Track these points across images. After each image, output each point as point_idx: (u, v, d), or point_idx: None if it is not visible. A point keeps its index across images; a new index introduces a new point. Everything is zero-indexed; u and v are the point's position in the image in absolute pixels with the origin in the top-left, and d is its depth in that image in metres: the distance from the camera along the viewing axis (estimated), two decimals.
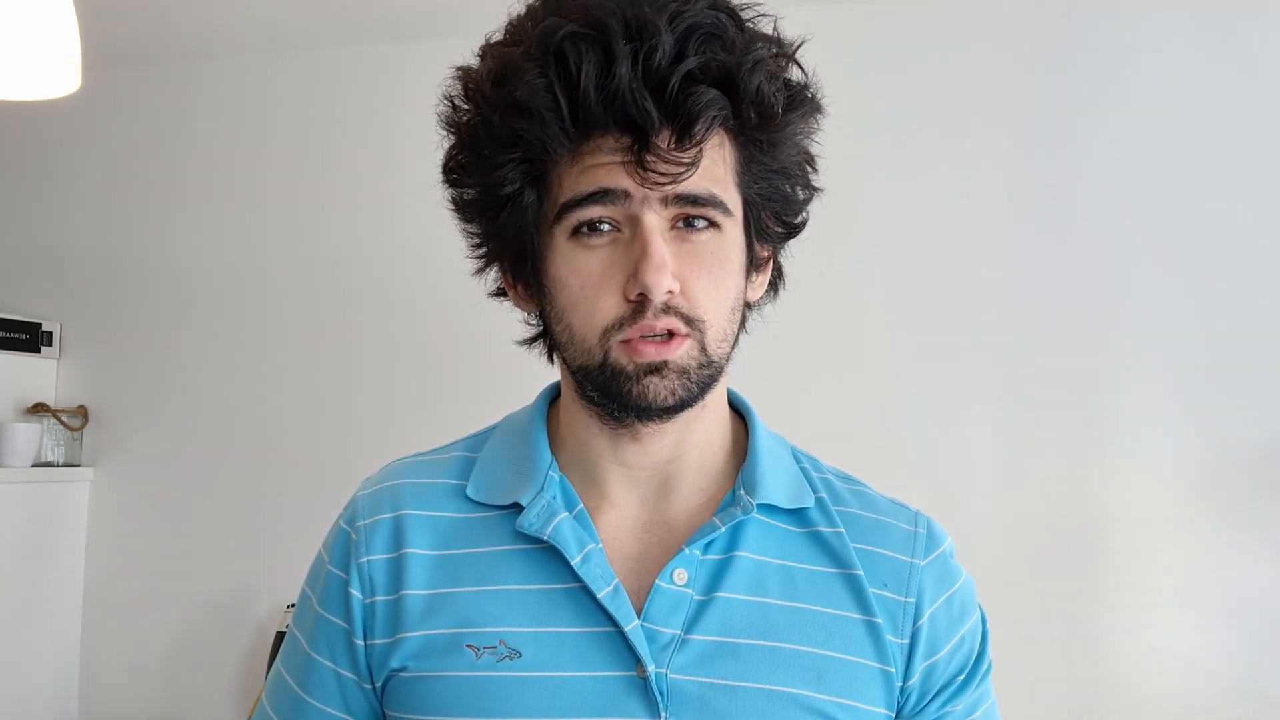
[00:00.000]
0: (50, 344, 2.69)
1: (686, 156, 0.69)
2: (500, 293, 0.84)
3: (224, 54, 2.67)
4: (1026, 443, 2.13)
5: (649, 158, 0.69)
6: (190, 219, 2.68)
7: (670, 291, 0.71)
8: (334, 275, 2.56)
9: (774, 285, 0.84)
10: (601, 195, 0.71)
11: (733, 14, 0.72)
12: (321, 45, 2.60)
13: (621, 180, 0.70)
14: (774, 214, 0.79)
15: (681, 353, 0.72)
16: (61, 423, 2.64)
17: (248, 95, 2.67)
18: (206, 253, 2.65)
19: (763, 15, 0.75)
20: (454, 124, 0.77)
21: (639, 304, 0.71)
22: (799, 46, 0.75)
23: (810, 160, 0.79)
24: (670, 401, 0.73)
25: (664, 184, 0.70)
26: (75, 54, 1.30)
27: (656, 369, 0.72)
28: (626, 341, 0.72)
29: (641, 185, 0.70)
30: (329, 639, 0.80)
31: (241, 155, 2.66)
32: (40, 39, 1.26)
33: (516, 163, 0.72)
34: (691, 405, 0.76)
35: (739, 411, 0.86)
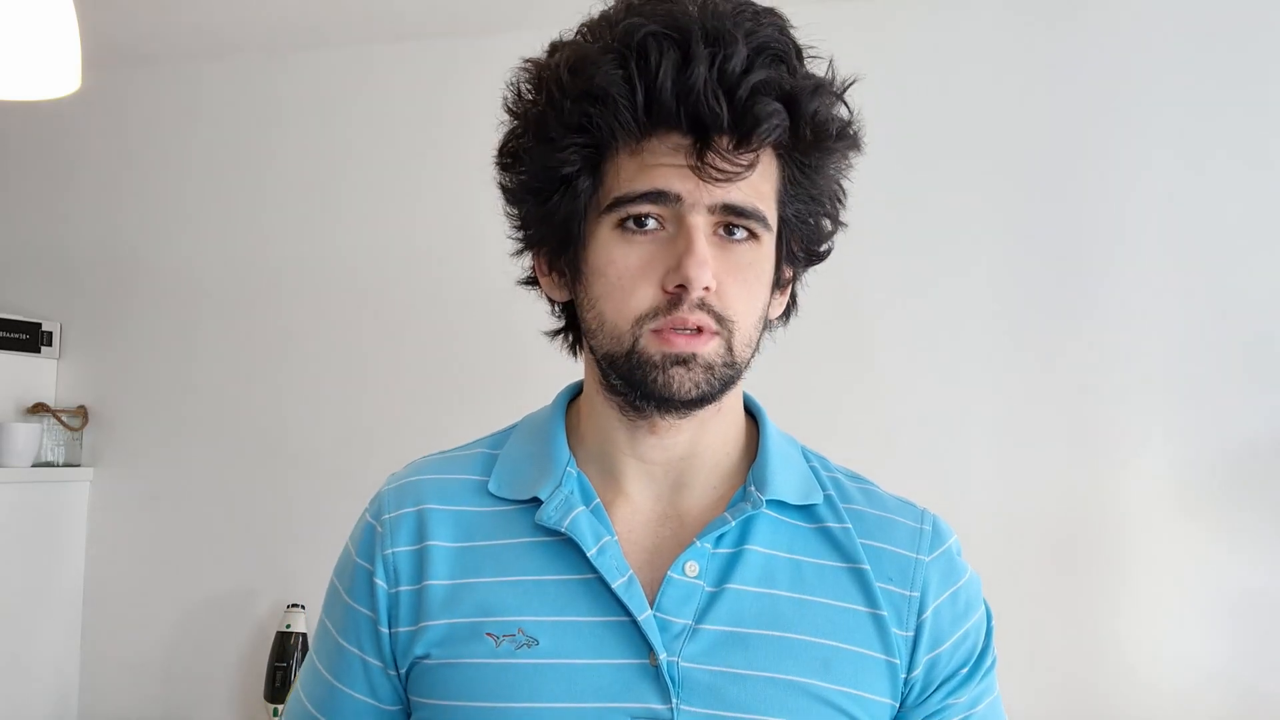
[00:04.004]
0: (50, 344, 2.69)
1: (744, 160, 0.73)
2: (529, 281, 0.87)
3: (225, 53, 2.67)
4: (1026, 443, 2.14)
5: (709, 154, 0.73)
6: (191, 219, 2.68)
7: (707, 288, 0.74)
8: (335, 275, 2.57)
9: (786, 311, 0.87)
10: (655, 196, 0.74)
11: (795, 44, 0.77)
12: (324, 44, 2.61)
13: (675, 184, 0.74)
14: (803, 238, 0.82)
15: (710, 349, 0.76)
16: (61, 423, 2.64)
17: (249, 94, 2.68)
18: (207, 253, 2.66)
19: (817, 57, 0.79)
20: (518, 110, 0.81)
21: (675, 297, 0.74)
22: (849, 85, 0.80)
23: (842, 193, 0.84)
24: (693, 394, 0.76)
25: (719, 181, 0.74)
26: (75, 54, 1.30)
27: (684, 360, 0.75)
28: (658, 331, 0.75)
29: (699, 182, 0.74)
30: (356, 628, 0.83)
31: (242, 155, 2.67)
32: (40, 39, 1.26)
33: (580, 147, 0.76)
34: (710, 401, 0.79)
35: (751, 413, 0.89)
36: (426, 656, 0.79)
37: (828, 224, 0.84)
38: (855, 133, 0.80)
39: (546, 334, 0.87)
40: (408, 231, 2.51)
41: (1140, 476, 2.08)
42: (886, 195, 2.21)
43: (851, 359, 2.23)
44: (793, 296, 0.87)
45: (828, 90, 0.77)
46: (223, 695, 2.54)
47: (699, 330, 0.75)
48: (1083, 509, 2.10)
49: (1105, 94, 2.15)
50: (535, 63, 0.80)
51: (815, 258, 0.85)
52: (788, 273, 0.83)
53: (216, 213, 2.67)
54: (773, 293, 0.81)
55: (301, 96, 2.64)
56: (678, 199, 0.74)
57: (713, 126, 0.72)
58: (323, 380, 2.55)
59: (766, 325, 0.83)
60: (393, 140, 2.54)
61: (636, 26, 0.73)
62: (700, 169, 0.73)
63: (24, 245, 2.78)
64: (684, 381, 0.75)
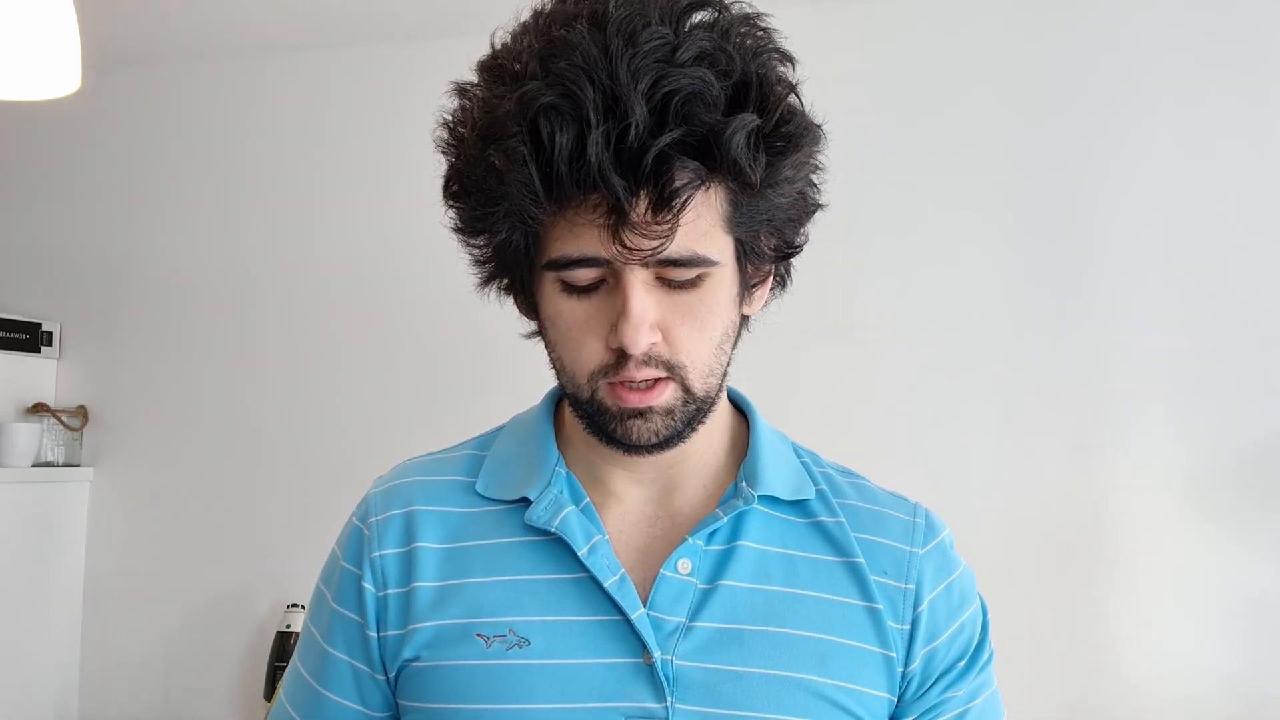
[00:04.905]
0: (50, 344, 2.69)
1: (663, 228, 0.68)
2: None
3: (223, 55, 2.67)
4: (1027, 444, 2.14)
5: (625, 232, 0.68)
6: (189, 219, 2.68)
7: (652, 343, 0.72)
8: (332, 276, 2.56)
9: (782, 281, 0.84)
10: (586, 261, 0.71)
11: (724, 48, 0.70)
12: (320, 46, 2.61)
13: (604, 247, 0.70)
14: (773, 237, 0.78)
15: (665, 397, 0.74)
16: (61, 423, 2.64)
17: (247, 96, 2.68)
18: (206, 253, 2.66)
19: (770, 28, 0.73)
20: (450, 147, 0.77)
21: (621, 354, 0.72)
22: (793, 89, 0.73)
23: (810, 185, 0.77)
24: (654, 441, 0.75)
25: (643, 254, 0.69)
26: (75, 54, 1.30)
27: (640, 413, 0.74)
28: (612, 385, 0.74)
29: (619, 256, 0.69)
30: (345, 633, 0.83)
31: (241, 155, 2.67)
32: (40, 39, 1.26)
33: (502, 215, 0.72)
34: (679, 441, 0.77)
35: (740, 409, 0.88)
36: (416, 659, 0.79)
37: (805, 206, 0.78)
38: (806, 129, 0.73)
39: (525, 336, 0.85)
40: (411, 231, 2.50)
41: (1142, 475, 2.07)
42: (887, 196, 2.21)
43: (849, 356, 2.23)
44: (786, 268, 0.83)
45: (750, 120, 0.68)
46: (223, 695, 2.54)
47: (652, 381, 0.73)
48: (1084, 508, 2.09)
49: (1107, 88, 2.14)
50: (461, 92, 0.76)
51: (792, 250, 0.81)
52: (760, 272, 0.80)
53: (217, 213, 2.66)
54: (743, 298, 0.78)
55: (303, 97, 2.64)
56: (609, 261, 0.70)
57: (620, 200, 0.67)
58: (323, 380, 2.55)
59: (738, 338, 0.80)
60: (395, 139, 2.54)
61: (533, 95, 0.67)
62: (620, 240, 0.68)
63: (24, 245, 2.79)
64: (643, 432, 0.75)
